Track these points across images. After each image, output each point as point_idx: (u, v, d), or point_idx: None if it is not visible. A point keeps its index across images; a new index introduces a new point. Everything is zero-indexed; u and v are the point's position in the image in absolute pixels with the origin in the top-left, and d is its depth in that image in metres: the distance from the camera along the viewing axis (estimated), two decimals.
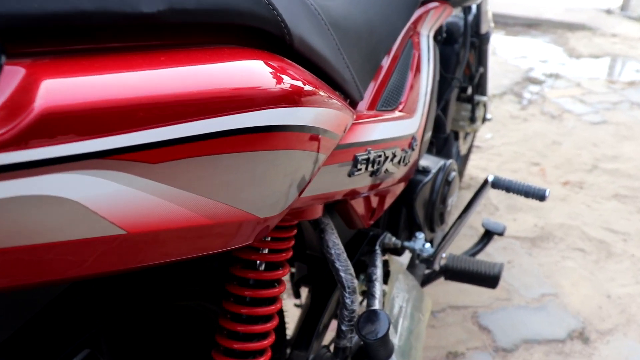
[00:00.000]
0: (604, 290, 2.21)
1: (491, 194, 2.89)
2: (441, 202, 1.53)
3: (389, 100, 1.04)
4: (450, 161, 1.54)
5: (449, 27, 2.07)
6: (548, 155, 3.38)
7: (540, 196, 1.14)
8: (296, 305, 1.54)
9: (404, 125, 1.06)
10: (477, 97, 2.36)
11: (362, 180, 0.89)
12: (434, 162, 1.53)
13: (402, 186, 1.24)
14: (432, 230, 1.56)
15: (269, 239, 0.81)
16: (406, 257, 1.66)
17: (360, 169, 0.83)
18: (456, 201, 1.73)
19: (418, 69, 1.18)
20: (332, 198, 0.82)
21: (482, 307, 2.08)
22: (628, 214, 2.77)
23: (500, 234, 1.58)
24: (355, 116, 0.81)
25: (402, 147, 1.04)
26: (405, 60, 1.14)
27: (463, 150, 2.59)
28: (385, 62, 1.08)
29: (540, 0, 7.85)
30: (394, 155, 0.98)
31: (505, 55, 5.44)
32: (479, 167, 3.21)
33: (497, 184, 1.19)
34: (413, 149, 1.11)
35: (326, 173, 0.74)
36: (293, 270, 1.58)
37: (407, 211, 1.45)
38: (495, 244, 2.45)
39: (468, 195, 2.86)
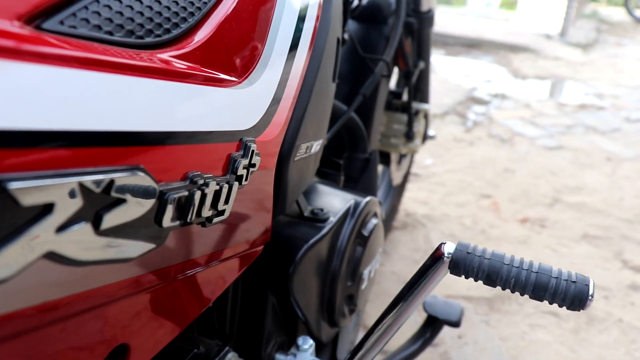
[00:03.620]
0: None
1: (432, 233, 2.24)
2: (349, 277, 0.82)
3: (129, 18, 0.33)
4: (366, 200, 0.85)
5: (375, 1, 1.41)
6: (500, 185, 2.78)
7: (575, 297, 0.44)
8: None
9: (196, 102, 0.35)
10: (416, 105, 1.70)
11: None
12: (338, 200, 0.83)
13: (237, 262, 0.53)
14: (333, 324, 0.84)
15: None
16: None
17: None
18: (380, 261, 1.03)
19: None
20: None
21: None
22: (603, 261, 2.17)
23: (456, 324, 0.89)
24: None
25: (184, 166, 0.32)
26: None
27: (396, 178, 1.92)
28: None
29: (480, 22, 7.54)
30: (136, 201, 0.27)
31: (446, 74, 4.92)
32: (417, 200, 2.55)
33: (463, 264, 0.48)
34: (236, 175, 0.41)
35: None
36: None
37: (278, 299, 0.73)
38: None
39: (404, 239, 2.18)
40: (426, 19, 1.52)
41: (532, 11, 8.39)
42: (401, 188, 2.18)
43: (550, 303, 0.47)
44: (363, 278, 0.84)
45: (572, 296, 0.45)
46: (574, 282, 0.45)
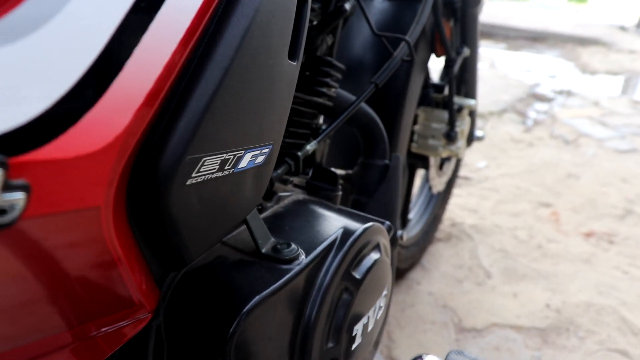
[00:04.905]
0: None
1: (480, 247, 1.96)
2: (331, 336, 0.59)
3: None
4: (363, 228, 0.62)
5: None
6: (562, 193, 2.46)
7: None
8: None
9: None
10: (460, 100, 1.45)
11: None
12: (321, 228, 0.61)
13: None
14: None
15: None
16: None
17: None
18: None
19: None
20: None
21: None
22: None
23: None
24: None
25: None
26: None
27: (437, 185, 1.67)
28: None
29: (546, 14, 7.06)
30: None
31: (506, 69, 4.56)
32: (466, 208, 2.28)
33: None
34: None
35: None
36: None
37: None
38: (482, 339, 1.51)
39: (446, 253, 1.91)
40: None
41: (605, 2, 7.80)
42: (445, 195, 1.93)
43: None
44: (354, 335, 0.62)
45: None
46: None
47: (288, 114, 0.51)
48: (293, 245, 0.56)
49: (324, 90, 0.77)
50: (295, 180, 0.77)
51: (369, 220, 0.67)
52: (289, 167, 0.69)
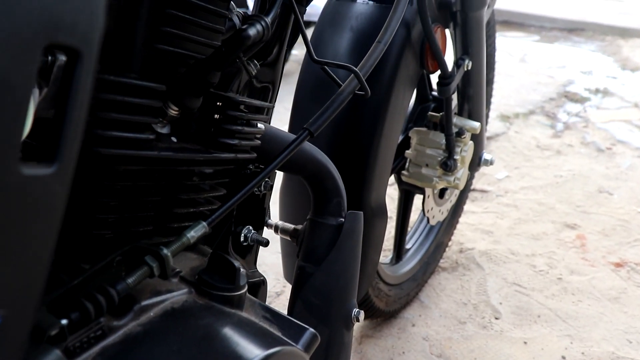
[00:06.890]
0: None
1: (490, 280, 1.72)
2: None
3: None
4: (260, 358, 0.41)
5: None
6: (591, 212, 2.19)
7: None
8: None
9: None
10: (461, 122, 1.21)
11: None
12: None
13: None
14: None
15: None
16: None
17: None
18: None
19: None
20: None
21: None
22: None
23: None
24: None
25: None
26: None
27: (436, 216, 1.43)
28: None
29: (585, 2, 6.60)
30: None
31: (537, 65, 4.23)
32: (479, 228, 2.03)
33: None
34: None
35: None
36: None
37: None
38: None
39: (450, 286, 1.65)
40: None
41: None
42: (451, 220, 1.69)
43: None
44: None
45: None
46: None
47: (51, 247, 0.30)
48: None
49: (235, 142, 0.56)
50: (187, 269, 0.56)
51: (277, 338, 0.46)
52: (150, 270, 0.48)
